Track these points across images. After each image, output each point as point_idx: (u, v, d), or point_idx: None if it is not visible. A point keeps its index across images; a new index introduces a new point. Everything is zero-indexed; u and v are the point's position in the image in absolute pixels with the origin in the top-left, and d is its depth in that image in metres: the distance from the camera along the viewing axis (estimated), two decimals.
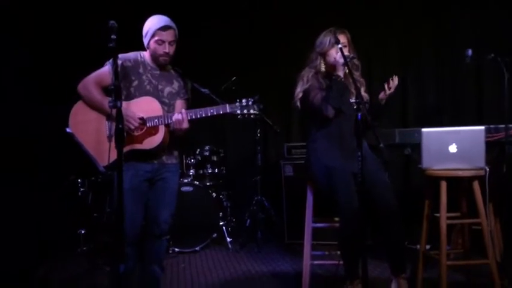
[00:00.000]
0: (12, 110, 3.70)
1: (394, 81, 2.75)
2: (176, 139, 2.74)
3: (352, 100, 2.33)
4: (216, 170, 4.49)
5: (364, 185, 2.31)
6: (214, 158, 4.49)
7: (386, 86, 2.76)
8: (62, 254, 3.91)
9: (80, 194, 4.05)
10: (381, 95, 2.80)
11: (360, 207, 2.50)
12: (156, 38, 2.60)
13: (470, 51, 3.15)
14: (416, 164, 2.96)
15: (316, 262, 3.03)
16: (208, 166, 4.46)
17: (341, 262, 2.80)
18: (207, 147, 4.47)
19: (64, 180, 3.84)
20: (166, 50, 2.63)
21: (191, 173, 4.34)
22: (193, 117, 2.60)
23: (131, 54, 2.72)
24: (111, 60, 2.64)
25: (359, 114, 2.32)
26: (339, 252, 3.07)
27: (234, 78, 4.32)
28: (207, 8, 4.91)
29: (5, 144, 3.41)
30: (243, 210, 4.46)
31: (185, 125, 2.56)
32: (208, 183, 4.40)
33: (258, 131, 4.43)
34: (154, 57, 2.67)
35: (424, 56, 4.46)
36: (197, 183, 4.26)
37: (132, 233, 2.54)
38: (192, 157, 4.40)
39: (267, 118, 4.37)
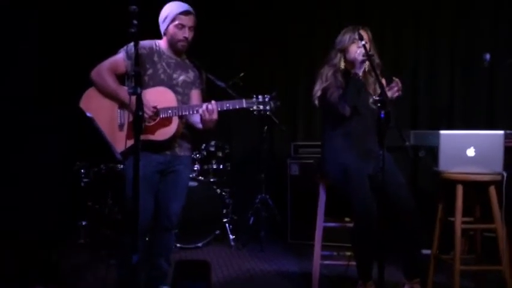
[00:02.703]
0: (22, 98, 3.62)
1: (398, 83, 2.69)
2: (190, 131, 2.69)
3: (376, 98, 2.28)
4: (221, 166, 4.42)
5: (384, 185, 2.27)
6: (220, 154, 4.42)
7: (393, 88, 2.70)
8: (62, 245, 3.82)
9: (83, 184, 3.98)
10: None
11: (377, 208, 2.46)
12: (176, 22, 2.55)
13: (488, 56, 3.12)
14: (428, 166, 2.92)
15: (325, 262, 2.98)
16: (213, 162, 4.39)
17: (351, 263, 2.76)
18: (212, 143, 4.40)
19: (70, 169, 3.77)
20: (186, 35, 2.58)
21: (196, 168, 4.27)
22: None
23: (146, 42, 2.66)
24: (125, 47, 2.60)
25: (382, 112, 2.28)
26: (348, 253, 3.05)
27: (242, 74, 4.26)
28: (213, 4, 4.83)
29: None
30: (247, 208, 4.40)
31: (215, 115, 2.50)
32: (212, 179, 4.33)
33: (265, 128, 4.38)
34: (172, 43, 2.62)
35: (437, 57, 4.37)
36: (202, 178, 4.20)
37: (142, 224, 2.47)
38: (197, 152, 4.33)
39: (273, 116, 4.32)
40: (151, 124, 2.50)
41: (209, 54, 4.57)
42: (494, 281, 2.95)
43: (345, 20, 2.85)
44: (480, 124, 3.83)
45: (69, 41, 4.46)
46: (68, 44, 4.43)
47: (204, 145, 4.40)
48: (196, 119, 2.66)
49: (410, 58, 4.46)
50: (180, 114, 2.53)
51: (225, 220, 4.27)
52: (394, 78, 2.72)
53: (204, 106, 2.49)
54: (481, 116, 4.08)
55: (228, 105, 2.53)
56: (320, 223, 2.85)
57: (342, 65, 2.78)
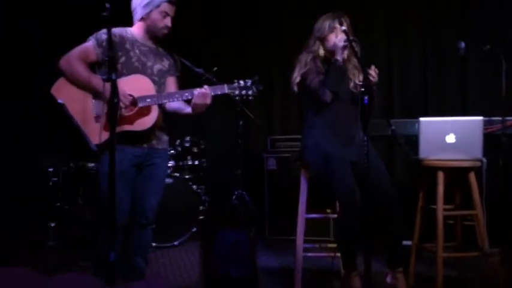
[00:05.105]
0: None
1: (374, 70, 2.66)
2: (164, 122, 2.59)
3: (359, 82, 2.24)
4: (197, 162, 4.31)
5: (367, 172, 2.23)
6: (195, 150, 4.31)
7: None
8: (30, 248, 3.64)
9: (51, 184, 3.78)
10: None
11: (361, 195, 2.42)
12: (161, 9, 2.46)
13: (463, 44, 3.15)
14: (406, 155, 2.89)
15: (308, 254, 2.92)
16: (189, 158, 4.27)
17: (337, 254, 2.71)
18: (187, 138, 4.28)
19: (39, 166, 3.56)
20: (169, 24, 2.51)
21: (171, 164, 4.14)
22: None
23: (115, 30, 2.50)
24: (94, 35, 2.47)
25: (365, 98, 2.24)
26: (329, 245, 3.00)
27: (215, 68, 4.16)
28: None
29: None
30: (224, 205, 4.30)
31: (209, 100, 2.41)
32: (187, 176, 4.21)
33: (240, 123, 4.30)
34: (153, 30, 2.51)
35: (409, 48, 4.39)
36: (177, 175, 4.08)
37: (119, 221, 2.34)
38: (172, 148, 4.20)
39: (248, 111, 4.24)
40: (129, 114, 2.38)
41: (180, 45, 4.45)
42: (475, 268, 2.96)
43: (319, 10, 2.79)
44: (454, 113, 3.85)
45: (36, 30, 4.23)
46: (34, 32, 4.21)
47: (178, 141, 4.27)
48: (176, 106, 2.55)
49: (382, 50, 4.47)
50: (160, 102, 2.42)
51: (201, 217, 4.15)
52: (371, 67, 2.68)
53: (197, 91, 2.40)
54: (455, 105, 4.12)
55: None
56: (302, 214, 2.78)
57: (321, 52, 2.73)
